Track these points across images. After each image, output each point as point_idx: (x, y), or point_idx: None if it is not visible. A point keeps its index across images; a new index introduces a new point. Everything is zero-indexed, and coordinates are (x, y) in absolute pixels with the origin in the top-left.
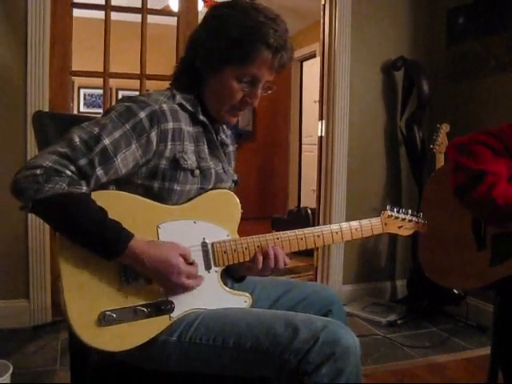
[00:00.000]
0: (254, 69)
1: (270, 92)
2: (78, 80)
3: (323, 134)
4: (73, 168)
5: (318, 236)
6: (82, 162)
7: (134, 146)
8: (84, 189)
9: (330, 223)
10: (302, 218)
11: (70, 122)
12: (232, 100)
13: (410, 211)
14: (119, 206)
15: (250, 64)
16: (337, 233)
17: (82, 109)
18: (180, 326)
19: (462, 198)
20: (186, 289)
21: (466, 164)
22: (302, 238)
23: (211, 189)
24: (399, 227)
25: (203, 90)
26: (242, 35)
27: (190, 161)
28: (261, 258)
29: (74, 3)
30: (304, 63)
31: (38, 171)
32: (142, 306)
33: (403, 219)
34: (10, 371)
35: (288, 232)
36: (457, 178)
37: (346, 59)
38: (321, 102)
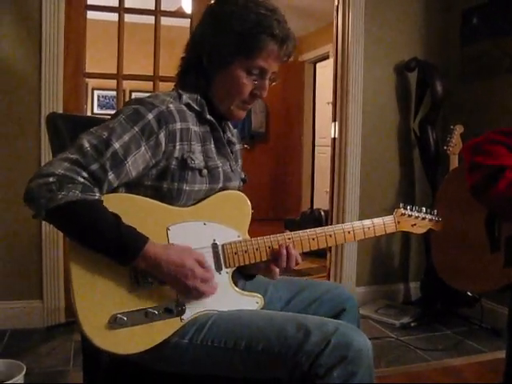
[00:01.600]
0: (262, 61)
1: (275, 83)
2: (91, 82)
3: (336, 136)
4: (85, 174)
5: (330, 236)
6: (94, 167)
7: (143, 149)
8: (97, 195)
9: None
10: (315, 220)
11: (84, 124)
12: (242, 94)
13: (423, 209)
14: (128, 208)
15: (257, 56)
16: (349, 232)
17: (95, 110)
18: (191, 328)
19: (480, 196)
20: (200, 294)
21: (482, 162)
22: (313, 238)
23: (221, 189)
24: (413, 225)
25: (210, 87)
26: (246, 29)
27: (198, 160)
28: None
29: (87, 5)
30: (317, 65)
31: (51, 179)
32: (153, 308)
33: (417, 217)
34: (24, 372)
35: (299, 232)
36: (473, 178)
37: (359, 60)
38: (334, 103)
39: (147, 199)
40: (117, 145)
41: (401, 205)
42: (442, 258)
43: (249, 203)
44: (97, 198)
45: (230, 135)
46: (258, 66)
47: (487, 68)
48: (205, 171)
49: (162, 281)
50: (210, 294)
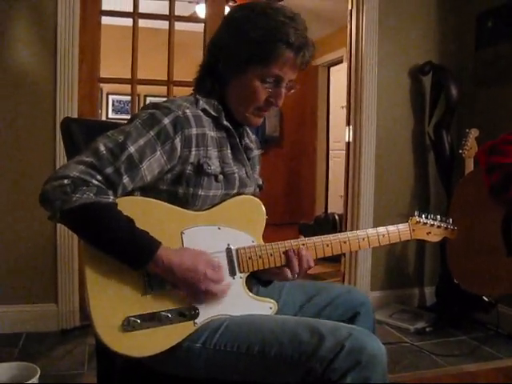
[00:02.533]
0: (277, 69)
1: (293, 91)
2: (106, 87)
3: (350, 140)
4: (100, 177)
5: (345, 242)
6: (109, 170)
7: (158, 153)
8: (111, 198)
9: (357, 229)
10: (329, 224)
11: (98, 128)
12: (256, 101)
13: (438, 217)
14: (144, 212)
15: (273, 64)
16: (363, 239)
17: (110, 115)
18: (204, 333)
19: (500, 195)
20: (214, 295)
21: (498, 161)
22: (328, 245)
23: (236, 194)
24: (428, 233)
25: (226, 93)
26: (262, 36)
27: (214, 166)
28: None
29: (102, 11)
30: (331, 68)
31: (66, 181)
32: (166, 311)
33: (432, 225)
34: (38, 374)
35: (314, 238)
36: (491, 178)
37: (373, 64)
38: (348, 107)
39: (162, 203)
40: (132, 149)
41: (416, 213)
42: (458, 262)
43: (263, 208)
44: (111, 201)
45: (247, 141)
46: (273, 74)
47: (502, 72)
48: (221, 177)
49: (174, 284)
50: (223, 295)
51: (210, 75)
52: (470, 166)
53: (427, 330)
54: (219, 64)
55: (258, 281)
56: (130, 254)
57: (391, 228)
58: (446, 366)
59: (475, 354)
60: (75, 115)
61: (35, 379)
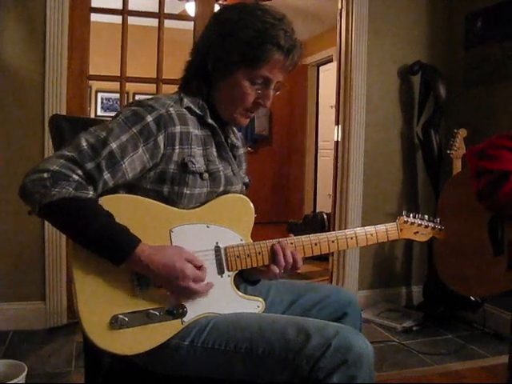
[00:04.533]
0: (266, 71)
1: (278, 92)
2: (95, 84)
3: (339, 139)
4: (80, 172)
5: (333, 241)
6: (90, 165)
7: (141, 150)
8: (91, 193)
9: (345, 228)
10: (318, 223)
11: (87, 126)
12: (245, 102)
13: (426, 217)
14: (131, 209)
15: (262, 66)
16: (351, 238)
17: (99, 112)
18: (192, 331)
19: (486, 201)
20: (193, 293)
21: (486, 166)
22: (316, 244)
23: (224, 193)
24: (415, 233)
25: (213, 92)
26: (252, 38)
27: (199, 164)
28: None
29: (91, 8)
30: (320, 68)
31: (45, 175)
32: (155, 309)
33: (419, 225)
34: (25, 372)
35: (302, 237)
36: (479, 183)
37: (363, 64)
38: (337, 106)
39: (150, 201)
40: (114, 145)
41: (403, 212)
42: (445, 262)
43: (252, 207)
44: (90, 196)
45: (234, 139)
46: (262, 76)
47: (491, 72)
48: (206, 175)
49: (156, 283)
50: (205, 293)
51: (197, 74)
52: (457, 166)
53: (414, 328)
54: (207, 64)
55: (246, 280)
56: (109, 250)
57: (379, 227)
58: (432, 364)
59: (462, 353)
60: (64, 112)
61: (22, 377)
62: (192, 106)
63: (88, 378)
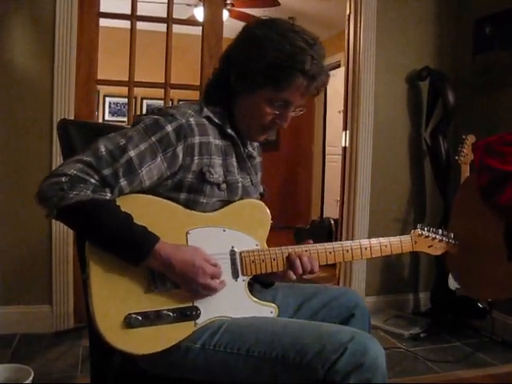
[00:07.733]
0: (288, 94)
1: (300, 113)
2: (103, 89)
3: (347, 145)
4: (97, 177)
5: (347, 251)
6: (106, 171)
7: (159, 159)
8: (108, 195)
9: (352, 234)
10: (325, 229)
11: (94, 130)
12: (262, 121)
13: (440, 231)
14: (148, 210)
15: (285, 90)
16: (366, 248)
17: (107, 117)
18: (204, 334)
19: (488, 200)
20: (211, 290)
21: (490, 165)
22: (330, 252)
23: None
24: (429, 246)
25: (234, 104)
26: (279, 60)
27: (217, 174)
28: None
29: (100, 13)
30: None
31: (63, 179)
32: (168, 310)
33: (434, 238)
34: (32, 376)
35: (317, 245)
36: (481, 179)
37: (371, 69)
38: (345, 112)
39: (168, 202)
40: (132, 153)
41: (418, 225)
42: (458, 266)
43: (269, 213)
44: (108, 197)
45: (250, 149)
46: (283, 99)
47: (500, 78)
48: (223, 185)
49: (175, 283)
50: (220, 289)
51: (221, 85)
52: (466, 172)
53: (421, 335)
54: (231, 77)
55: (259, 282)
56: (129, 249)
57: (393, 239)
58: (440, 372)
59: (469, 361)
60: (72, 117)
61: (28, 381)
62: (211, 116)
63: (94, 383)
